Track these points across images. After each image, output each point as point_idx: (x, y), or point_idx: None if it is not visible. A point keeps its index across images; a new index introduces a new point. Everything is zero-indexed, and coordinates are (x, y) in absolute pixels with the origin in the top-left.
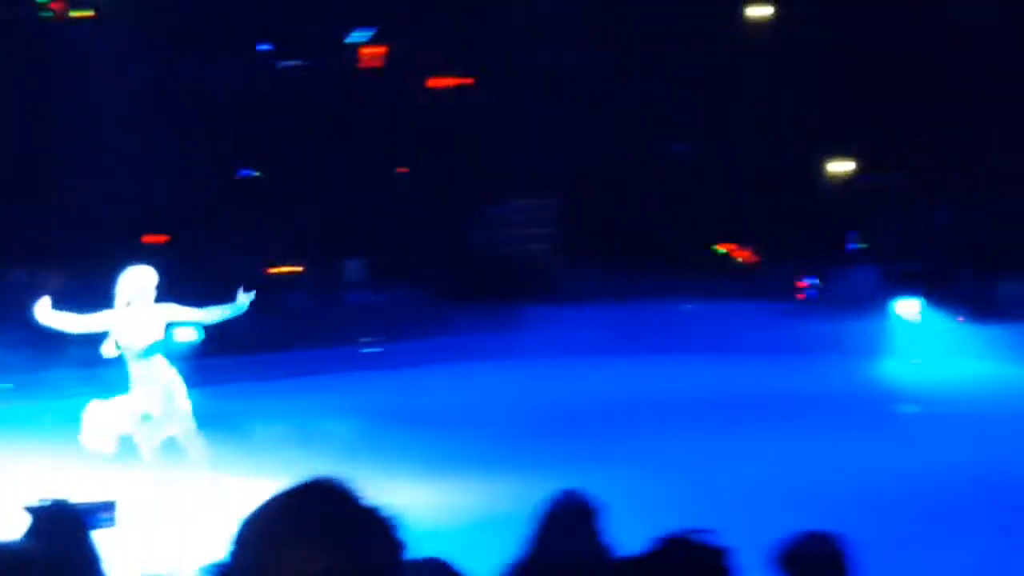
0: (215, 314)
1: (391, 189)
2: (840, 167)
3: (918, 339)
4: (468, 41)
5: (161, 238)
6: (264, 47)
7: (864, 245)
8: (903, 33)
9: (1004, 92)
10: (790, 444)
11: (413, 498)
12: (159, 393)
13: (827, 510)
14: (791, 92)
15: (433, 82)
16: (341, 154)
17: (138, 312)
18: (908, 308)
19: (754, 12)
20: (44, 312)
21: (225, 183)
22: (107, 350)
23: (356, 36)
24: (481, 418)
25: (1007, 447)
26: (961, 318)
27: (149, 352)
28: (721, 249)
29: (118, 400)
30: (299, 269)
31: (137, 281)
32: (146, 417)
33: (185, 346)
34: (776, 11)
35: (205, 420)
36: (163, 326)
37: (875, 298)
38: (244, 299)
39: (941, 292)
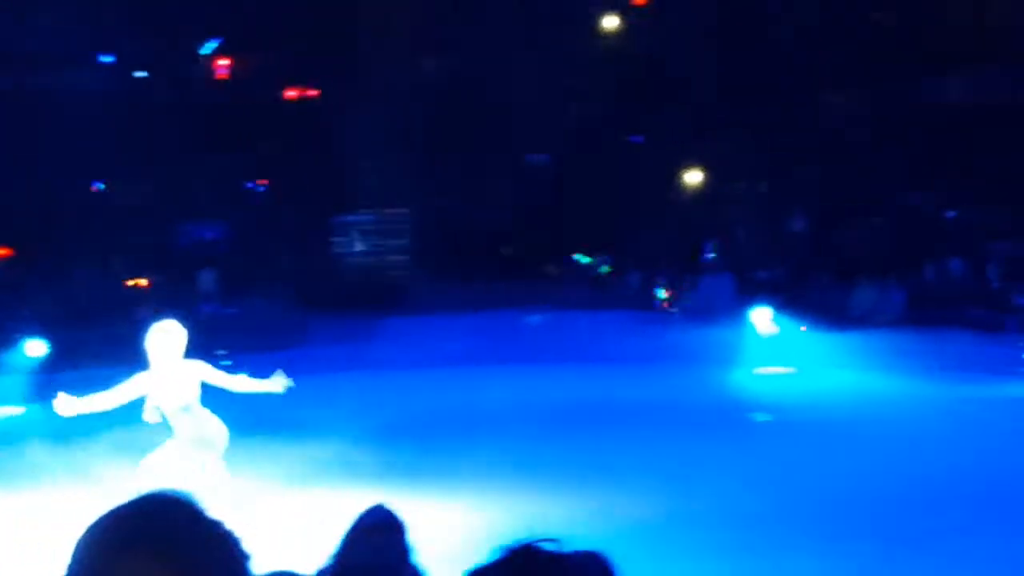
0: (245, 385)
1: (246, 200)
2: (697, 176)
3: (770, 348)
4: (318, 52)
5: (4, 251)
6: (110, 59)
7: (719, 255)
8: (758, 38)
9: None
10: (640, 452)
11: (259, 509)
12: (202, 443)
13: (677, 518)
14: (647, 101)
15: (285, 93)
16: (195, 165)
17: (168, 371)
18: (761, 317)
19: (609, 23)
20: (67, 406)
21: (76, 196)
22: (149, 416)
23: (205, 48)
24: (334, 428)
25: (856, 455)
26: (804, 327)
27: (186, 410)
28: (582, 258)
29: (168, 450)
30: (147, 282)
31: (162, 338)
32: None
33: (34, 360)
34: (627, 21)
35: (50, 435)
36: (197, 383)
37: (730, 307)
38: (279, 385)
39: (795, 301)
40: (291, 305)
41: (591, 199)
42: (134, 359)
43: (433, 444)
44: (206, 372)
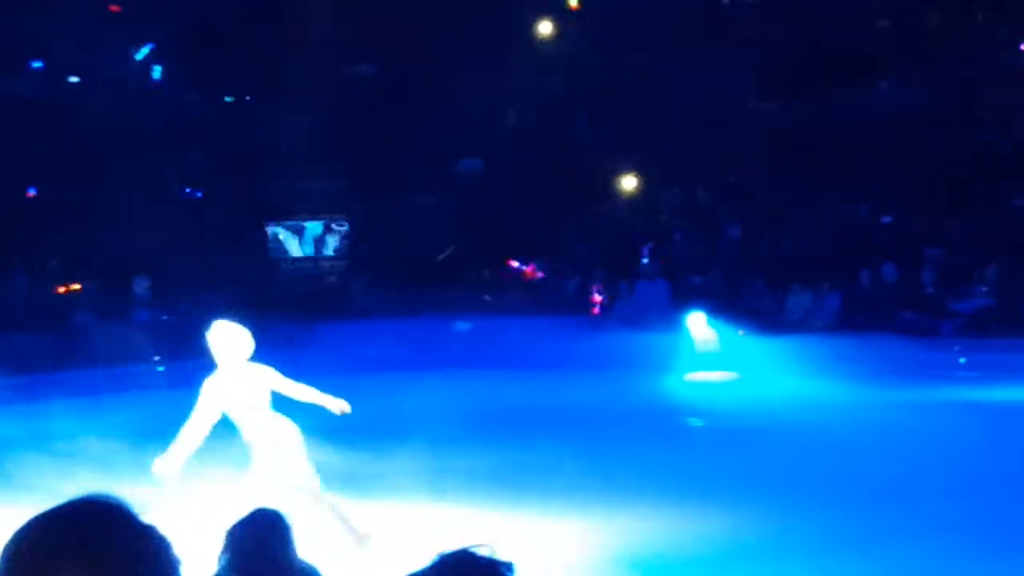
0: (309, 396)
1: (181, 206)
2: (632, 182)
3: (705, 353)
4: (252, 58)
5: None
6: (39, 64)
7: (654, 261)
8: (694, 45)
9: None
10: (571, 456)
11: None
12: (273, 450)
13: (613, 521)
14: (585, 106)
15: (220, 99)
16: (127, 171)
17: (232, 374)
18: (696, 322)
19: (544, 28)
20: (167, 472)
21: (9, 201)
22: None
23: (138, 53)
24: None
25: (790, 459)
26: (739, 332)
27: (253, 414)
28: (514, 264)
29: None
30: (79, 287)
31: (227, 338)
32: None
33: None
34: (563, 27)
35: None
36: (265, 389)
37: (665, 312)
38: (337, 407)
39: (730, 306)
40: (226, 311)
41: (526, 204)
42: (67, 364)
43: (362, 448)
44: (272, 378)
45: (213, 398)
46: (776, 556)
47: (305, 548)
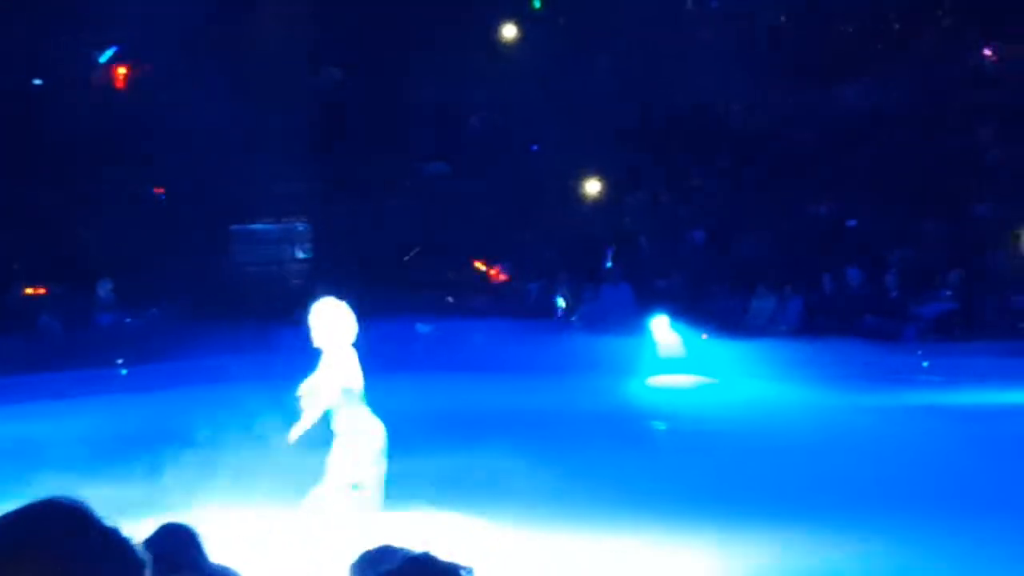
0: (314, 409)
1: (143, 209)
2: (597, 185)
3: (669, 357)
4: (217, 61)
5: None
6: None
7: (618, 264)
8: (661, 47)
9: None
10: (536, 461)
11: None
12: (360, 447)
13: (577, 525)
14: (551, 109)
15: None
16: (91, 173)
17: (335, 354)
18: (660, 326)
19: (508, 32)
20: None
21: None
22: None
23: (101, 56)
24: (230, 439)
25: (753, 463)
26: (705, 335)
27: (348, 398)
28: (480, 267)
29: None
30: (43, 291)
31: (332, 318)
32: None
33: None
34: (527, 31)
35: None
36: (361, 374)
37: (629, 316)
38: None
39: (694, 310)
40: (189, 315)
41: (491, 207)
42: (31, 367)
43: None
44: (351, 369)
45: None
46: (738, 560)
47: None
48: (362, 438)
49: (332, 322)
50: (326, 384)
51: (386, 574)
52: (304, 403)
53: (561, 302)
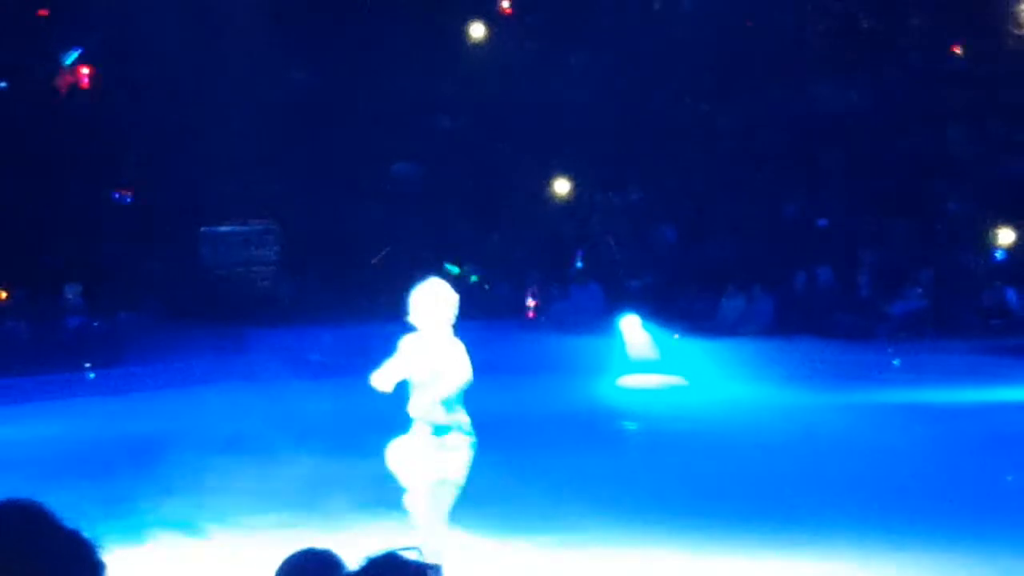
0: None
1: (110, 211)
2: (567, 185)
3: (640, 357)
4: (183, 62)
5: None
6: None
7: (588, 264)
8: (628, 47)
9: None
10: (505, 462)
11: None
12: (438, 432)
13: (546, 526)
14: (520, 108)
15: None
16: (55, 177)
17: (431, 339)
18: (630, 326)
19: (477, 32)
20: (384, 381)
21: None
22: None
23: (66, 57)
24: (200, 441)
25: (725, 462)
26: (676, 335)
27: (436, 403)
28: (452, 268)
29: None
30: (5, 295)
31: (434, 301)
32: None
33: None
34: (495, 30)
35: None
36: (464, 366)
37: (599, 316)
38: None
39: (664, 310)
40: (159, 317)
41: (460, 207)
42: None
43: (294, 460)
44: (453, 356)
45: (407, 359)
46: (709, 559)
47: None
48: (443, 440)
49: (435, 304)
50: (415, 369)
51: (351, 573)
52: (379, 385)
53: (531, 302)
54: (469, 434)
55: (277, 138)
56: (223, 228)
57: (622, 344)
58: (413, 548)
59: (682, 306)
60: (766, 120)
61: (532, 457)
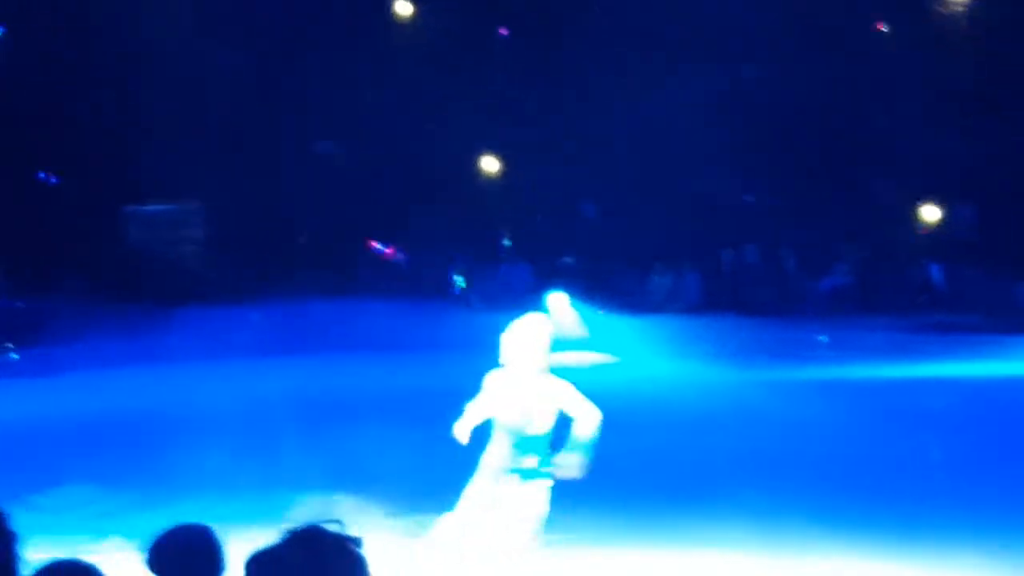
0: (583, 432)
1: (36, 192)
2: (492, 164)
3: (567, 334)
4: (107, 39)
5: None
6: None
7: (515, 242)
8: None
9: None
10: (430, 440)
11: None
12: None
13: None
14: (445, 86)
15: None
16: None
17: (523, 379)
18: (558, 304)
19: (401, 9)
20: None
21: None
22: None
23: None
24: (123, 424)
25: (650, 438)
26: (604, 312)
27: (524, 447)
28: (374, 247)
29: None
30: None
31: (530, 335)
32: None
33: None
34: (419, 6)
35: None
36: (554, 410)
37: (527, 294)
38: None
39: (592, 287)
40: (83, 299)
41: (388, 186)
42: None
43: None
44: (568, 398)
45: (490, 399)
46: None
47: None
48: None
49: (529, 341)
50: (502, 413)
51: (270, 549)
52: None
53: (459, 281)
54: (551, 477)
55: (202, 117)
56: (148, 208)
57: (554, 321)
58: (335, 520)
59: (610, 284)
60: (694, 97)
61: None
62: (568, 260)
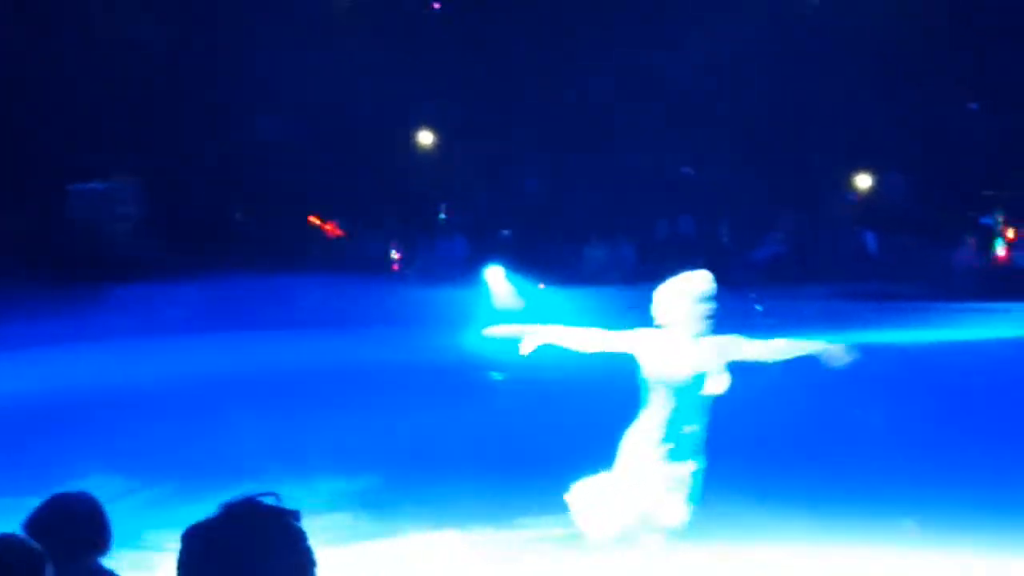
0: (792, 350)
1: None
2: (428, 137)
3: (504, 307)
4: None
5: None
6: None
7: (452, 216)
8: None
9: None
10: (369, 416)
11: None
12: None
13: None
14: (377, 58)
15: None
16: None
17: (684, 339)
18: (495, 277)
19: None
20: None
21: None
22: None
23: None
24: (62, 402)
25: (586, 409)
26: (543, 285)
27: (688, 410)
28: (312, 222)
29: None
30: None
31: (690, 295)
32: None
33: None
34: None
35: None
36: (723, 370)
37: (464, 268)
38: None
39: (529, 260)
40: (15, 277)
41: (325, 162)
42: None
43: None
44: (738, 348)
45: (634, 343)
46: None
47: None
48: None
49: (691, 298)
50: (666, 371)
51: (205, 522)
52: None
53: (395, 255)
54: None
55: (139, 93)
56: (82, 186)
57: (487, 295)
58: (271, 493)
59: (546, 256)
60: (630, 72)
61: (394, 409)
62: (505, 233)
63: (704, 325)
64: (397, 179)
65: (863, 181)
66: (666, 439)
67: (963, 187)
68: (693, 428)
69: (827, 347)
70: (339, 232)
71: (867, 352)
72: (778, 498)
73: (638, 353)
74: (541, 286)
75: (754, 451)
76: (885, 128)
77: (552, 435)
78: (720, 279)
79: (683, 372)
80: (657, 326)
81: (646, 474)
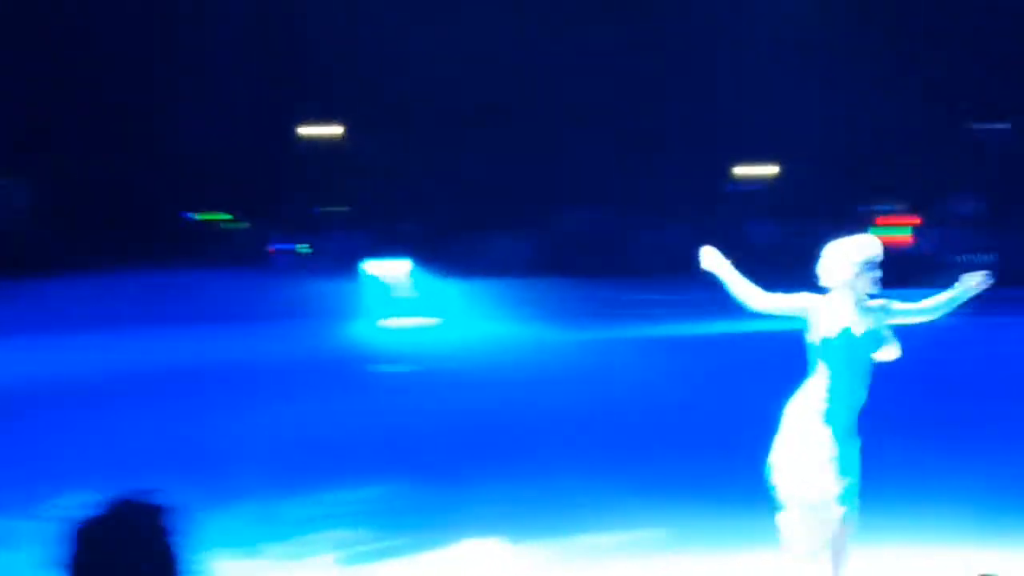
0: (938, 301)
1: None
2: (327, 131)
3: (403, 298)
4: None
5: None
6: None
7: (354, 209)
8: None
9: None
10: (258, 410)
11: None
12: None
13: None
14: (269, 51)
15: None
16: None
17: (845, 301)
18: (396, 269)
19: None
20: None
21: None
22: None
23: None
24: None
25: (485, 398)
26: (441, 276)
27: (853, 377)
28: (204, 216)
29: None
30: None
31: (854, 257)
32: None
33: None
34: None
35: None
36: (887, 334)
37: (363, 260)
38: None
39: (430, 252)
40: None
41: (226, 157)
42: None
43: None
44: (899, 310)
45: (806, 304)
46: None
47: None
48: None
49: (855, 261)
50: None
51: (84, 521)
52: None
53: (299, 248)
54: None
55: (23, 88)
56: None
57: (385, 287)
58: (150, 491)
59: (447, 248)
60: (525, 66)
61: (287, 399)
62: (406, 226)
63: (873, 289)
64: (298, 172)
65: (769, 169)
66: (830, 408)
67: (866, 177)
68: (859, 397)
69: (964, 282)
70: (243, 225)
71: (759, 340)
72: (663, 475)
73: (810, 315)
74: (439, 278)
75: (753, 451)
76: (790, 119)
77: (433, 424)
78: (618, 270)
79: (855, 334)
80: (823, 289)
81: (808, 445)
